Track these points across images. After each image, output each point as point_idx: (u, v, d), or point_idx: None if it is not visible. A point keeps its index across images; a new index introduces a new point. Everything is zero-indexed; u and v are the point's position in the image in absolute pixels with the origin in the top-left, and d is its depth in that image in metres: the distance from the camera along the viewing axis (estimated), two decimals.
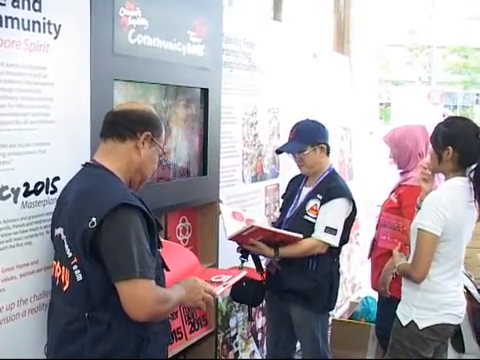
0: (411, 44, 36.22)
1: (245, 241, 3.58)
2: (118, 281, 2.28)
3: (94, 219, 2.26)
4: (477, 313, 3.99)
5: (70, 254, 2.37)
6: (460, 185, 3.24)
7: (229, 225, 3.57)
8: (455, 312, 3.32)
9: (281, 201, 4.25)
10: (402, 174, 4.33)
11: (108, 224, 2.27)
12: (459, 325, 3.53)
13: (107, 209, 2.27)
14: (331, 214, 3.73)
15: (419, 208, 3.51)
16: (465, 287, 3.94)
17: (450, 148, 3.23)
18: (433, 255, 3.21)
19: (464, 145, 3.23)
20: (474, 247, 5.25)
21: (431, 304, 3.27)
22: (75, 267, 2.36)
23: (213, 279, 2.91)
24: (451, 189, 3.25)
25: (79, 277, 2.35)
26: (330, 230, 3.68)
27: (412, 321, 3.30)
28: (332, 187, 3.80)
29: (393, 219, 4.16)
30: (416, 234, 3.23)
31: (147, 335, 2.43)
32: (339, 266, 3.96)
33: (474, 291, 4.05)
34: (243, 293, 3.69)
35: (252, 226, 3.42)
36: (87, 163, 2.56)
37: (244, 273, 3.17)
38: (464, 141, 3.24)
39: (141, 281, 2.27)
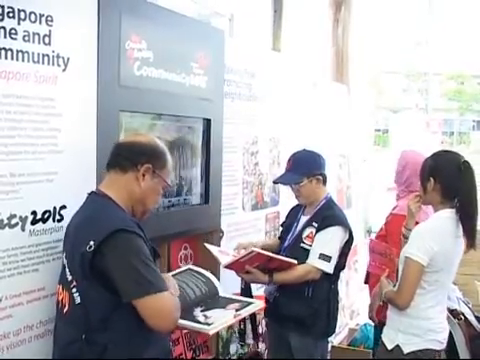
0: (408, 71, 36.45)
1: (240, 268, 3.62)
2: (136, 299, 2.34)
3: (92, 243, 2.34)
4: (474, 339, 4.03)
5: (70, 277, 2.45)
6: (448, 217, 3.31)
7: (219, 257, 3.62)
8: (438, 338, 3.38)
9: (280, 229, 4.31)
10: (396, 201, 4.46)
11: (109, 249, 2.34)
12: (457, 350, 3.58)
13: (104, 234, 2.34)
14: (326, 241, 3.78)
15: (405, 237, 3.59)
16: (462, 314, 4.00)
17: (432, 179, 3.32)
18: (418, 283, 3.27)
19: (445, 177, 3.32)
20: (471, 274, 5.31)
21: (416, 330, 3.33)
22: (74, 290, 2.43)
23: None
24: (439, 221, 3.34)
25: (77, 300, 2.42)
26: (324, 257, 3.73)
27: (397, 345, 3.35)
28: (328, 215, 3.85)
29: (381, 246, 4.26)
30: (403, 262, 3.31)
31: (144, 357, 2.48)
32: (338, 293, 4.00)
33: (471, 318, 4.10)
34: None
35: (252, 251, 3.46)
36: (92, 192, 2.64)
37: (263, 305, 3.19)
38: (445, 173, 3.32)
39: (161, 294, 2.36)
